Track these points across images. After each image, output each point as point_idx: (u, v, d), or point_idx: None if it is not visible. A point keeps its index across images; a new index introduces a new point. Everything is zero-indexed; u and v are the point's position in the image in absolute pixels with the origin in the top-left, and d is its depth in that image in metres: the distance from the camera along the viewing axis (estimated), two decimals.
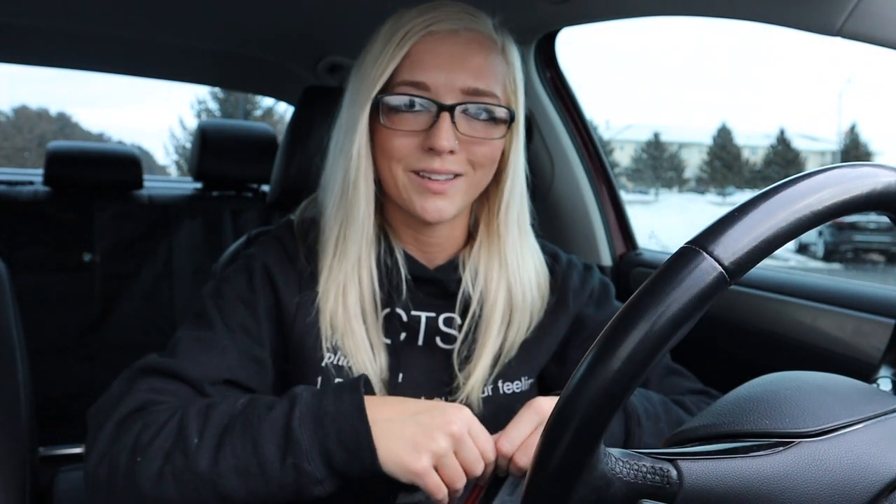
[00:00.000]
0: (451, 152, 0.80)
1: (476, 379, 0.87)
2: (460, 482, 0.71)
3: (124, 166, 2.33)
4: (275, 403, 0.72)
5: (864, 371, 0.63)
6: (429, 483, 0.70)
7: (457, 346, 0.89)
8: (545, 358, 0.95)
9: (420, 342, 0.89)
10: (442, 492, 0.71)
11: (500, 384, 0.90)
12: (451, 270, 0.91)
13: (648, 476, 0.46)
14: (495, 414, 0.87)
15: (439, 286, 0.90)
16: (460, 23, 0.82)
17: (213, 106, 29.71)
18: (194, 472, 0.69)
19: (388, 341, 0.88)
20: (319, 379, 0.85)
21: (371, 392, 0.76)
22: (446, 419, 0.70)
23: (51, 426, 2.12)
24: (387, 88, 0.81)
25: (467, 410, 0.73)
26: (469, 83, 0.80)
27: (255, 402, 0.73)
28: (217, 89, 24.11)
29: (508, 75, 0.85)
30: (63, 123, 34.46)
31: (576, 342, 0.96)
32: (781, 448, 0.48)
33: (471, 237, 0.93)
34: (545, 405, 0.77)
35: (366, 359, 0.85)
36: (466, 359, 0.89)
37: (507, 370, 0.90)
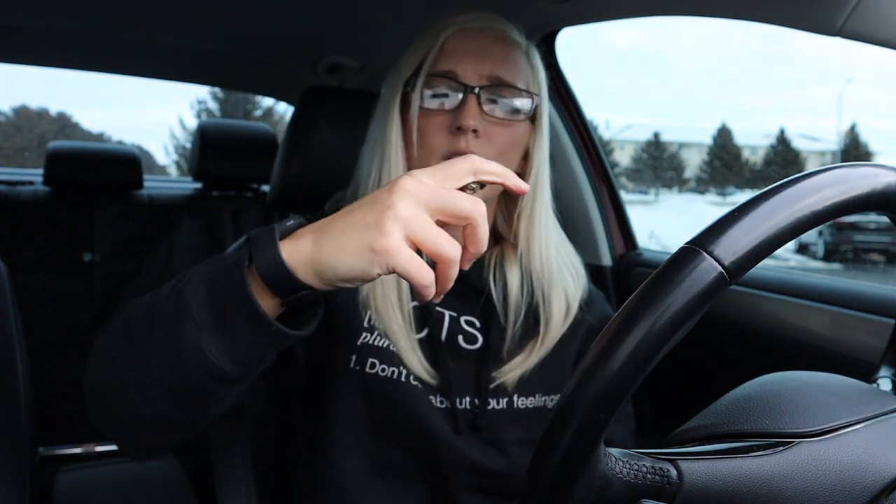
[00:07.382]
0: (475, 132, 0.82)
1: (508, 383, 0.86)
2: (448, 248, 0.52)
3: (124, 166, 2.32)
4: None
5: (864, 371, 0.63)
6: (404, 260, 0.51)
7: (478, 346, 0.88)
8: (563, 373, 0.91)
9: (443, 339, 0.88)
10: (423, 272, 0.51)
11: (514, 398, 0.88)
12: (476, 268, 0.90)
13: (648, 476, 0.46)
14: (507, 428, 0.86)
15: (464, 282, 0.89)
16: (489, 22, 0.88)
17: (213, 106, 29.70)
18: None
19: (419, 335, 0.87)
20: (354, 357, 0.85)
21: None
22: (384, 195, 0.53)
23: (51, 426, 2.13)
24: (418, 81, 0.85)
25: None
26: (494, 71, 0.84)
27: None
28: (217, 89, 24.10)
29: (532, 77, 0.89)
30: (63, 123, 34.44)
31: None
32: (781, 448, 0.48)
33: (497, 240, 0.93)
34: None
35: (408, 346, 0.84)
36: (493, 363, 0.87)
37: (524, 383, 0.88)
